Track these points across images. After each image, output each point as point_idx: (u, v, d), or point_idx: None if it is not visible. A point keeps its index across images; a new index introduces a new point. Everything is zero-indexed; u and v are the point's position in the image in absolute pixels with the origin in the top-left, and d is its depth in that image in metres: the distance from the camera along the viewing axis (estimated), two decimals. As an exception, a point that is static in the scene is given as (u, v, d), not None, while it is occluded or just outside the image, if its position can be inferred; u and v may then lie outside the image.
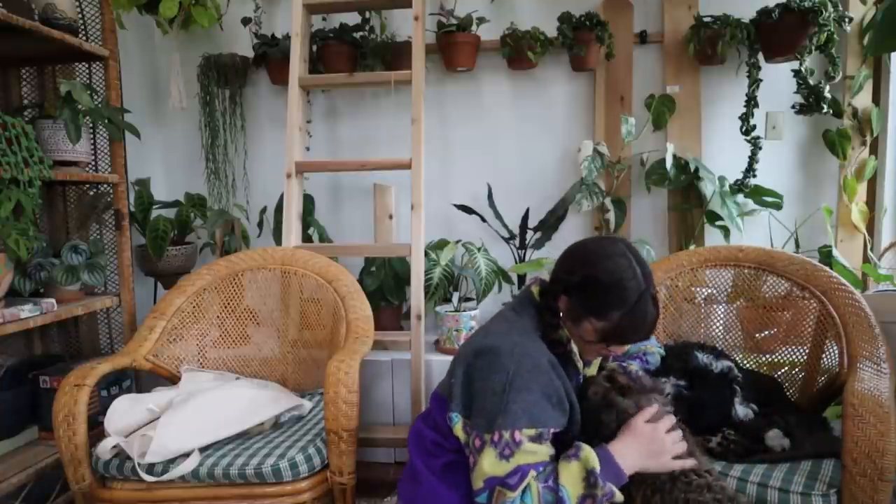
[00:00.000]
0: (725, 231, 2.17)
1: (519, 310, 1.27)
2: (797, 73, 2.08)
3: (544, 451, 1.10)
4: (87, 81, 2.05)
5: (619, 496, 1.09)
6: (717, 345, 1.73)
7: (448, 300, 2.22)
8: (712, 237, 2.25)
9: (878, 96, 2.17)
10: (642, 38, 2.30)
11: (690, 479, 1.12)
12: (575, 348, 1.24)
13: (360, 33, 2.34)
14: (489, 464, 1.08)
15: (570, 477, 1.07)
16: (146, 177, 2.37)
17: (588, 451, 1.11)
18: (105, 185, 2.05)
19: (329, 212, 2.56)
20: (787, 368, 1.66)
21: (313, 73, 2.33)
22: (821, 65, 2.14)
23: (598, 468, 1.09)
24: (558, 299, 1.21)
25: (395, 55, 2.33)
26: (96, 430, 1.49)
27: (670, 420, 1.17)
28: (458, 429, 1.20)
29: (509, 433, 1.07)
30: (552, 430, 1.11)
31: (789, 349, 1.68)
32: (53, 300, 1.75)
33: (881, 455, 1.12)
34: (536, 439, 1.08)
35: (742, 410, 1.43)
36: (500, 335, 1.21)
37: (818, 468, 1.26)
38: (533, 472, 1.06)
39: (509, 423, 1.08)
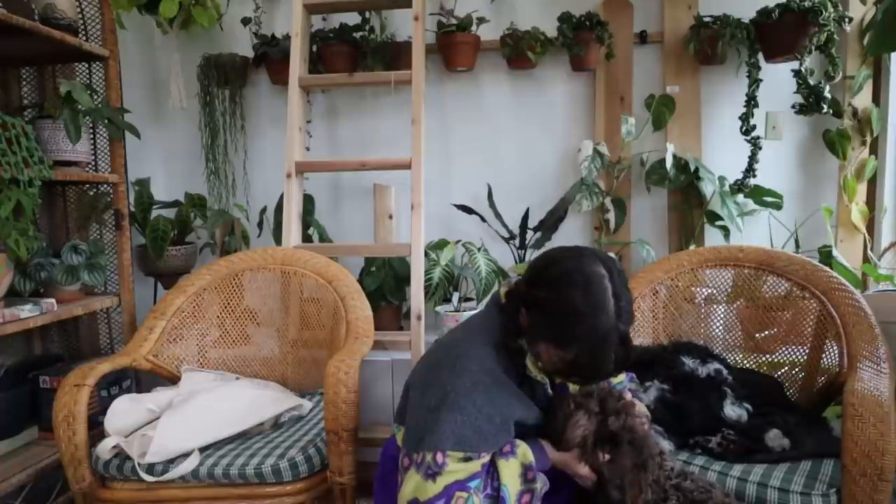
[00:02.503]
0: (725, 231, 2.17)
1: (484, 315, 1.19)
2: (797, 73, 2.08)
3: (475, 464, 1.01)
4: (87, 81, 2.05)
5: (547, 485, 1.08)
6: (717, 345, 1.74)
7: (448, 300, 2.22)
8: (712, 237, 2.25)
9: (878, 96, 2.17)
10: (642, 38, 2.30)
11: (668, 466, 1.15)
12: (529, 363, 1.14)
13: (360, 33, 2.34)
14: (413, 487, 1.00)
15: (511, 475, 1.05)
16: (146, 177, 2.37)
17: (524, 447, 1.08)
18: (105, 185, 2.05)
19: (329, 212, 2.55)
20: (787, 368, 1.66)
21: (313, 73, 2.33)
22: (821, 65, 2.14)
23: (534, 462, 1.07)
24: (519, 310, 1.10)
25: (395, 55, 2.33)
26: (96, 430, 1.49)
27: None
28: (400, 439, 1.16)
29: (432, 455, 0.99)
30: (486, 454, 1.03)
31: (789, 349, 1.68)
32: (53, 300, 1.75)
33: (881, 455, 1.12)
34: (464, 461, 1.00)
35: (735, 411, 1.43)
36: (451, 344, 1.13)
37: (818, 468, 1.27)
38: (463, 494, 0.98)
39: (434, 444, 1.00)
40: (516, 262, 2.31)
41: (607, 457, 1.11)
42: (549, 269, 1.07)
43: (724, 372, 1.49)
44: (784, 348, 1.69)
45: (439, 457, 0.99)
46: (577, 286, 1.02)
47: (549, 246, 2.30)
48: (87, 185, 2.07)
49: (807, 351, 1.63)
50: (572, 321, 1.01)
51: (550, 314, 1.04)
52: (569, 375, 1.10)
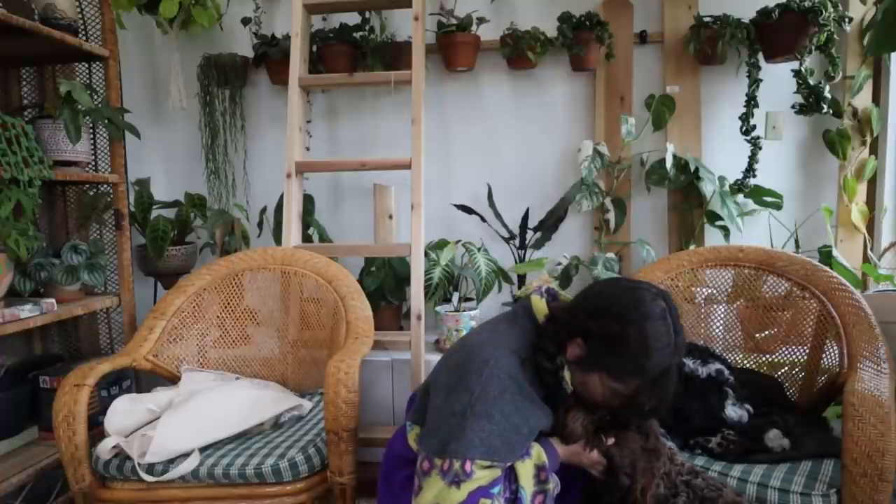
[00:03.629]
0: (725, 231, 2.17)
1: (513, 320, 1.18)
2: (797, 73, 2.08)
3: (497, 470, 1.02)
4: (87, 81, 2.05)
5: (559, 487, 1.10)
6: (717, 345, 1.74)
7: (448, 300, 2.22)
8: (712, 237, 2.25)
9: (878, 96, 2.17)
10: (642, 38, 2.30)
11: (679, 461, 1.16)
12: (567, 376, 1.12)
13: (360, 33, 2.34)
14: (436, 493, 0.99)
15: (527, 476, 1.05)
16: (146, 177, 2.37)
17: (537, 448, 1.09)
18: (105, 185, 2.05)
19: (329, 212, 2.55)
20: (787, 368, 1.66)
21: (313, 73, 2.33)
22: (821, 65, 2.14)
23: (547, 462, 1.08)
24: (572, 337, 1.08)
25: (395, 55, 2.33)
26: (96, 430, 1.49)
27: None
28: (412, 438, 1.16)
29: (460, 463, 0.99)
30: (510, 462, 1.04)
31: (789, 349, 1.68)
32: (53, 300, 1.75)
33: (881, 455, 1.12)
34: (488, 468, 1.01)
35: (736, 412, 1.43)
36: (476, 348, 1.11)
37: (818, 468, 1.27)
38: (487, 501, 0.99)
39: (462, 452, 0.99)
40: (516, 262, 2.31)
41: (612, 440, 1.11)
42: (614, 302, 1.06)
43: (726, 372, 1.49)
44: (784, 348, 1.69)
45: (468, 465, 0.99)
46: (643, 322, 1.02)
47: (549, 246, 2.31)
48: (87, 185, 2.07)
49: (807, 351, 1.63)
50: (637, 356, 1.01)
51: (614, 347, 1.03)
52: (622, 408, 1.09)
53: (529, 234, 2.31)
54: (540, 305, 1.17)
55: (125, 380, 1.93)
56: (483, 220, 2.32)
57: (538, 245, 2.30)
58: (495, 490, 1.00)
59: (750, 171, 2.18)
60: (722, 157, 2.28)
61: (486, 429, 1.01)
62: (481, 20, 2.25)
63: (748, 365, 1.71)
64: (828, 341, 1.57)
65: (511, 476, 1.06)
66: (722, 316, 1.78)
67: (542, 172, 2.42)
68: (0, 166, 1.49)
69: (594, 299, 1.11)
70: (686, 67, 2.27)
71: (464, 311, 2.15)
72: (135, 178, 2.29)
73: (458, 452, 0.99)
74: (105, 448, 1.39)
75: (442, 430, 1.04)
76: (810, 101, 2.07)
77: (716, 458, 1.35)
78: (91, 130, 2.04)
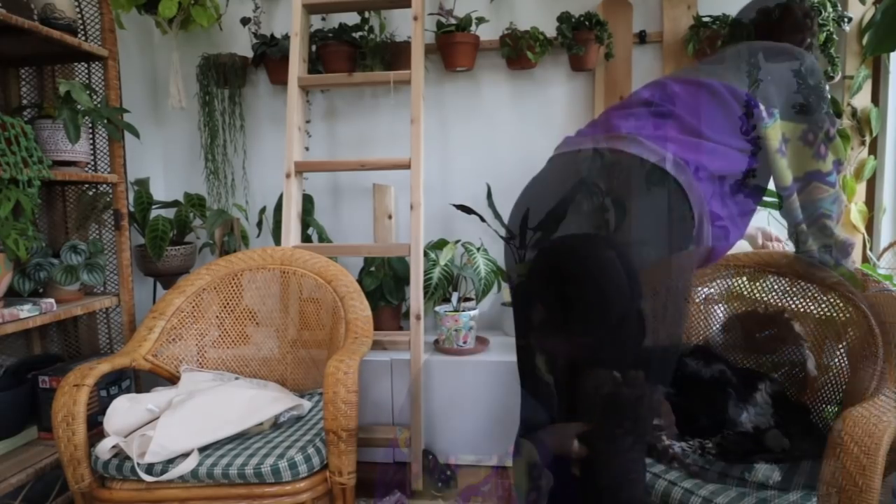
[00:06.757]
0: (725, 231, 2.17)
1: None
2: (797, 72, 2.08)
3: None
4: (87, 81, 2.05)
5: None
6: (717, 345, 1.73)
7: (447, 300, 2.22)
8: (712, 237, 2.24)
9: (877, 96, 2.17)
10: (642, 38, 2.30)
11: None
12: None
13: (360, 33, 2.34)
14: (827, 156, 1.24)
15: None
16: (145, 177, 2.37)
17: None
18: (104, 185, 2.05)
19: (329, 212, 2.55)
20: (787, 368, 1.66)
21: (313, 73, 2.33)
22: (820, 65, 2.14)
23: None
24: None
25: (394, 55, 2.33)
26: (96, 430, 1.49)
27: None
28: (774, 129, 1.31)
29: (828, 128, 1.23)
30: None
31: (789, 349, 1.67)
32: (53, 300, 1.75)
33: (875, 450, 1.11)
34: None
35: (738, 412, 1.42)
36: None
37: (818, 468, 1.26)
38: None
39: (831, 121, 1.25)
40: (516, 262, 2.31)
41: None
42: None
43: (728, 373, 1.49)
44: (784, 348, 1.69)
45: (830, 130, 1.35)
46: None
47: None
48: (87, 185, 2.07)
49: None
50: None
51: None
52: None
53: (529, 234, 2.30)
54: None
55: (124, 380, 1.93)
56: (482, 220, 2.31)
57: (538, 245, 2.29)
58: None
59: (750, 170, 2.17)
60: (721, 157, 2.28)
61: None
62: (481, 20, 2.25)
63: (748, 365, 1.71)
64: (828, 341, 1.57)
65: None
66: (722, 316, 1.78)
67: (542, 172, 2.41)
68: (-1, 166, 1.49)
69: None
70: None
71: (463, 311, 2.15)
72: (134, 178, 2.29)
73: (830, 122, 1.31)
74: (104, 448, 1.38)
75: (815, 107, 1.34)
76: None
77: (716, 458, 1.35)
78: (90, 130, 2.04)
